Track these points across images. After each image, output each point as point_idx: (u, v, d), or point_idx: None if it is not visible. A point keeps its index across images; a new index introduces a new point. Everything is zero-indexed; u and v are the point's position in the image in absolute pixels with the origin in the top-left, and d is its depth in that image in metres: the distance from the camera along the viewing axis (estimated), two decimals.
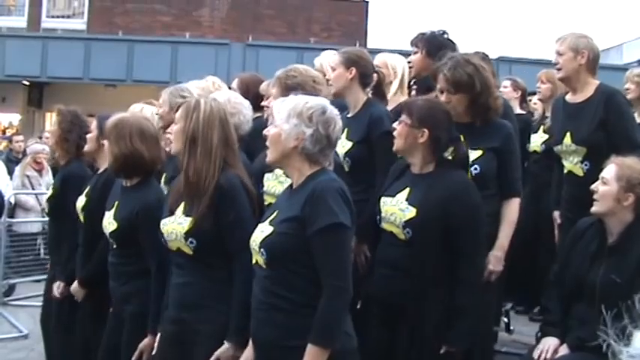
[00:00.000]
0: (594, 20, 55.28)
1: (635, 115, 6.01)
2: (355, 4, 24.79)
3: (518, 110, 6.95)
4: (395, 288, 3.78)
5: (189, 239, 3.52)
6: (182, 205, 3.60)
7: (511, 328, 6.09)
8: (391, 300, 3.80)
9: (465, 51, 5.33)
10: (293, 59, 12.43)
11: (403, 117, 3.88)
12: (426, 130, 3.80)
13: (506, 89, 7.19)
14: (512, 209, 4.22)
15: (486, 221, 3.91)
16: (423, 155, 3.85)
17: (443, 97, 4.17)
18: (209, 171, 3.50)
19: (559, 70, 4.98)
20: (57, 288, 5.07)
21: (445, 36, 4.94)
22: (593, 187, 4.01)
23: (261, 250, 3.11)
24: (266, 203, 4.12)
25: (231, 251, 3.47)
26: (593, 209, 4.00)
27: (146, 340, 3.94)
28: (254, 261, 3.20)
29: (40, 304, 5.82)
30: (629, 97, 5.95)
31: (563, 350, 3.92)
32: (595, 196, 3.97)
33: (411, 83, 5.25)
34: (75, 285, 4.76)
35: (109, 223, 4.21)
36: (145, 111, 5.14)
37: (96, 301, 4.64)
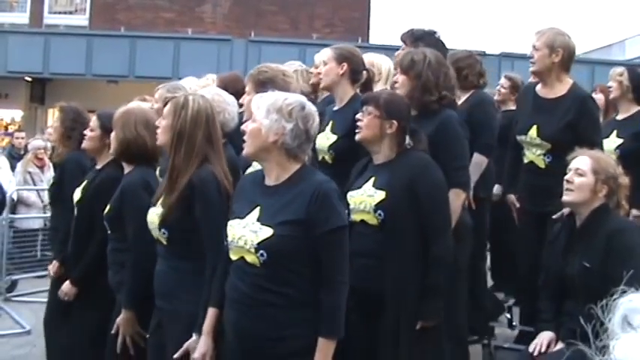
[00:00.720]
0: (597, 16, 55.24)
1: (620, 113, 6.21)
2: (358, 0, 24.74)
3: (511, 107, 6.96)
4: (373, 275, 3.87)
5: (162, 229, 3.69)
6: (163, 196, 3.75)
7: (513, 323, 6.08)
8: (371, 288, 3.85)
9: (463, 47, 5.40)
10: (295, 55, 12.46)
11: (370, 109, 4.04)
12: (395, 122, 3.99)
13: (504, 90, 7.20)
14: (451, 201, 4.21)
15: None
16: (389, 145, 4.03)
17: (396, 77, 4.52)
18: (187, 167, 3.62)
19: (533, 63, 5.05)
20: (51, 267, 5.17)
21: (435, 35, 5.01)
22: (567, 177, 4.14)
23: (260, 251, 3.15)
24: None
25: (204, 245, 3.59)
26: (566, 198, 4.14)
27: (121, 315, 4.11)
28: (236, 257, 3.25)
29: (43, 300, 5.83)
30: (611, 95, 6.10)
31: (559, 345, 4.02)
32: (570, 187, 4.11)
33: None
34: (67, 284, 4.79)
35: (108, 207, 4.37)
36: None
37: (95, 295, 4.67)
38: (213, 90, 4.75)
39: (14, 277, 9.31)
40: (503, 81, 7.28)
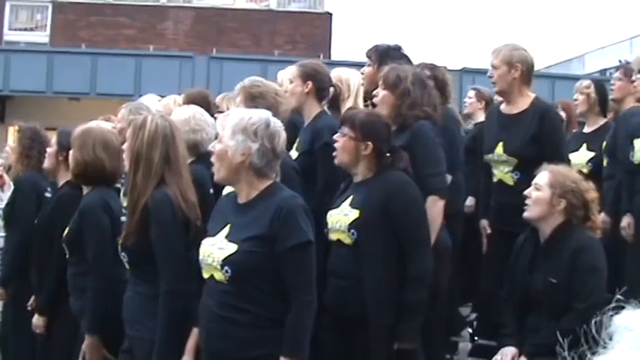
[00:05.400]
0: (556, 32, 55.98)
1: (586, 125, 6.31)
2: (319, 17, 24.80)
3: (481, 119, 7.00)
4: (347, 296, 3.86)
5: (122, 253, 3.67)
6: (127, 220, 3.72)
7: (475, 338, 6.11)
8: (345, 309, 3.83)
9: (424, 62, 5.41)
10: (257, 72, 12.41)
11: (345, 130, 4.00)
12: (370, 144, 3.95)
13: (470, 99, 7.27)
14: (428, 208, 4.18)
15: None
16: (367, 166, 4.00)
17: (377, 91, 4.45)
18: (146, 189, 3.59)
19: (494, 84, 5.07)
20: None
21: (400, 50, 5.01)
22: (526, 192, 4.17)
23: (225, 267, 3.13)
24: None
25: (158, 268, 3.54)
26: (526, 214, 4.16)
27: (86, 342, 4.01)
28: (207, 275, 3.24)
29: None
30: (578, 108, 6.19)
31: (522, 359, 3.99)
32: (527, 202, 4.13)
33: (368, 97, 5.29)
34: (35, 317, 4.64)
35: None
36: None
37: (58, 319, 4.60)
38: (194, 109, 4.66)
39: None
40: (469, 93, 7.38)
